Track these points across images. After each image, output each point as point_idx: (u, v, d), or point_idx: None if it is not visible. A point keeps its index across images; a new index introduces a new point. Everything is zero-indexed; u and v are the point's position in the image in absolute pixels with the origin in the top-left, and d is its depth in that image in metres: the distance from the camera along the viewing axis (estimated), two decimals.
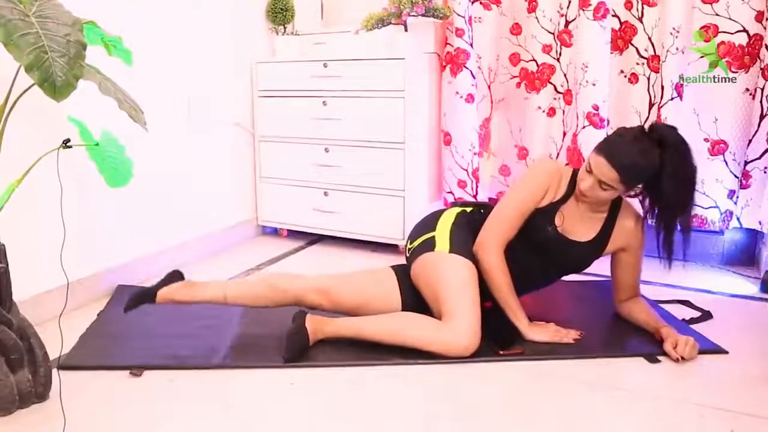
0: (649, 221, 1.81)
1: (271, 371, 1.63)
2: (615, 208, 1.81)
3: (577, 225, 1.80)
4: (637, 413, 1.44)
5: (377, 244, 2.80)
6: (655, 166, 1.63)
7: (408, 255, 1.88)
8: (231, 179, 2.91)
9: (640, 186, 1.72)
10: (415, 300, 1.81)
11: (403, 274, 1.87)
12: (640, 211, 1.83)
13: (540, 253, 1.81)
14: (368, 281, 1.85)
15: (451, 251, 1.77)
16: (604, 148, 1.67)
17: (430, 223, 1.89)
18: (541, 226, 1.78)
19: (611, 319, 1.96)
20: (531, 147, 2.79)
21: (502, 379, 1.60)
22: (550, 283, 1.93)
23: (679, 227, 1.72)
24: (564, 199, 1.79)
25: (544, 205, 1.79)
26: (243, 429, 1.38)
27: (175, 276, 1.83)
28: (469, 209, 1.92)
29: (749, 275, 2.47)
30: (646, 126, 1.70)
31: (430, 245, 1.80)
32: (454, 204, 1.97)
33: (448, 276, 1.72)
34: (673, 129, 1.68)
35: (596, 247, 1.81)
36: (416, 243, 1.85)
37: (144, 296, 1.75)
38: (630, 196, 1.80)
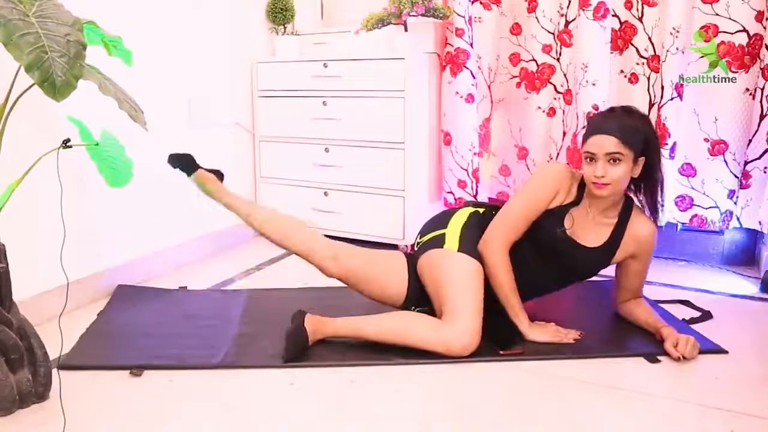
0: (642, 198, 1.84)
1: (271, 371, 1.63)
2: (625, 214, 1.79)
3: (587, 230, 1.79)
4: (637, 413, 1.44)
5: (377, 244, 2.79)
6: (641, 129, 1.69)
7: (416, 249, 1.88)
8: (231, 179, 2.87)
9: (642, 158, 1.70)
10: (419, 289, 1.81)
11: (412, 260, 1.87)
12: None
13: (548, 256, 1.80)
14: (379, 259, 1.88)
15: (459, 250, 1.77)
16: (589, 131, 1.72)
17: (442, 220, 1.88)
18: (550, 228, 1.77)
19: (611, 319, 1.96)
20: (531, 147, 2.79)
21: (502, 379, 1.60)
22: (557, 289, 1.92)
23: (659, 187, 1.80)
24: (574, 203, 1.78)
25: (553, 207, 1.78)
26: (243, 429, 1.38)
27: (217, 173, 1.99)
28: (482, 210, 1.91)
29: (749, 275, 2.47)
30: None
31: (439, 242, 1.80)
32: (467, 204, 1.97)
33: (453, 274, 1.72)
34: (627, 105, 1.81)
35: (605, 253, 1.79)
36: (426, 238, 1.85)
37: (190, 162, 1.93)
38: (639, 178, 1.75)
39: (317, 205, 2.87)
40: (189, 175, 1.94)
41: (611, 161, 1.66)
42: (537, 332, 1.77)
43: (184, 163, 1.93)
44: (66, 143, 1.50)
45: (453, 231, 1.82)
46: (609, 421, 1.41)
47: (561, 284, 1.90)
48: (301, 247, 1.85)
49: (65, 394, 1.43)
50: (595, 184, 1.69)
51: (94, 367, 1.65)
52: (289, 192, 2.95)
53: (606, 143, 1.66)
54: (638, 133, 1.67)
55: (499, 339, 1.74)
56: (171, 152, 1.96)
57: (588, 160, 1.70)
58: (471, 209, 1.91)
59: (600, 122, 1.71)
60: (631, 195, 1.83)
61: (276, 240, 1.88)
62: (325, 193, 2.85)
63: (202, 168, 1.99)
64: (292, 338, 1.66)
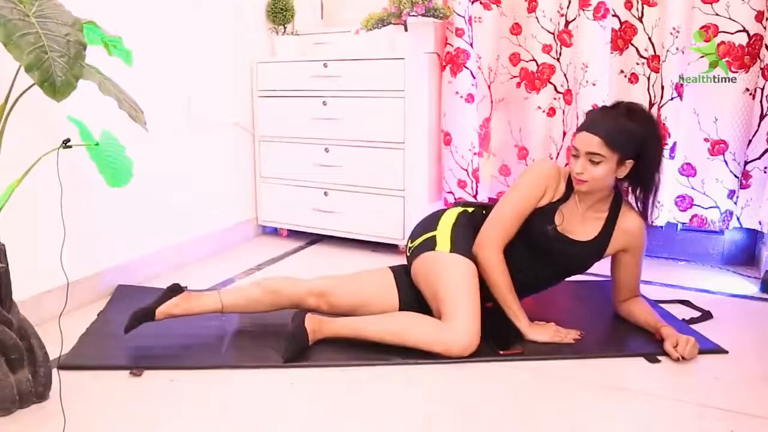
0: (632, 196, 1.82)
1: (271, 371, 1.63)
2: (615, 208, 1.81)
3: (577, 225, 1.80)
4: (637, 413, 1.44)
5: (377, 244, 2.80)
6: (635, 132, 1.67)
7: (408, 254, 1.89)
8: (231, 179, 2.90)
9: (630, 160, 1.69)
10: (412, 300, 1.82)
11: (401, 274, 1.87)
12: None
13: (541, 253, 1.81)
14: (365, 283, 1.86)
15: (451, 251, 1.77)
16: (580, 127, 1.73)
17: (431, 222, 1.89)
18: (541, 226, 1.78)
19: (611, 319, 1.96)
20: (531, 147, 2.79)
21: (502, 379, 1.60)
22: (552, 285, 1.93)
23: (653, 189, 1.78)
24: (563, 199, 1.79)
25: (543, 204, 1.79)
26: (243, 429, 1.38)
27: (174, 290, 1.80)
28: (470, 209, 1.92)
29: (749, 275, 2.47)
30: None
31: (430, 245, 1.80)
32: (456, 204, 1.97)
33: (448, 276, 1.72)
34: (636, 102, 1.77)
35: (597, 247, 1.81)
36: (417, 242, 1.85)
37: (144, 315, 1.73)
38: (626, 178, 1.75)
39: (317, 205, 2.87)
40: (154, 320, 1.76)
41: (591, 161, 1.67)
42: (537, 332, 1.77)
43: (143, 317, 1.76)
44: (66, 143, 1.50)
45: (443, 232, 1.82)
46: (609, 421, 1.41)
47: (556, 279, 1.91)
48: (285, 304, 1.82)
49: (65, 394, 1.43)
50: (574, 178, 1.72)
51: (94, 367, 1.65)
52: (289, 192, 2.95)
53: (589, 142, 1.66)
54: (630, 137, 1.66)
55: (498, 339, 1.74)
56: (124, 328, 1.74)
57: (573, 155, 1.72)
58: (459, 209, 1.91)
59: (592, 119, 1.72)
60: (624, 192, 1.84)
61: (260, 312, 1.84)
62: (325, 193, 2.85)
63: (157, 306, 1.78)
64: (292, 338, 1.66)
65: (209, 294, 1.82)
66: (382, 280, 1.86)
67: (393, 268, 1.90)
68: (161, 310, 1.75)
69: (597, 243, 1.80)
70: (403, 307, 1.82)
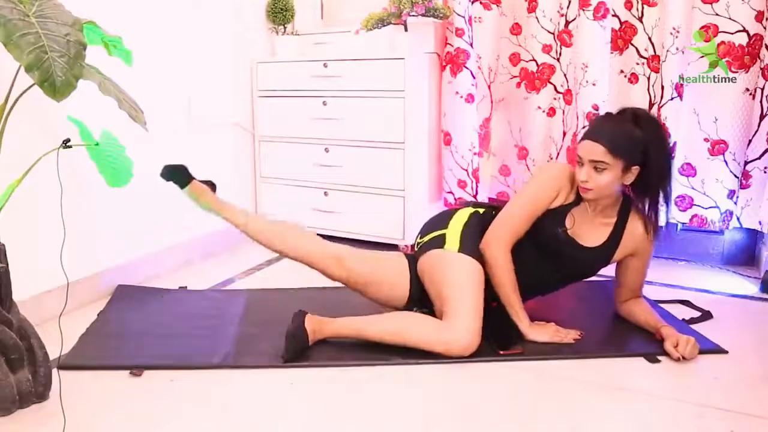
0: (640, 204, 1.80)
1: (271, 371, 1.63)
2: (624, 214, 1.80)
3: (587, 230, 1.79)
4: (637, 413, 1.44)
5: (377, 244, 2.80)
6: (639, 138, 1.66)
7: (417, 249, 1.88)
8: (231, 179, 2.90)
9: (635, 166, 1.68)
10: (421, 290, 1.82)
11: (413, 263, 1.87)
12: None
13: (549, 256, 1.81)
14: (381, 261, 1.88)
15: (460, 251, 1.77)
16: (584, 135, 1.73)
17: (442, 220, 1.88)
18: (552, 227, 1.77)
19: (611, 319, 1.96)
20: (531, 147, 2.79)
21: (502, 379, 1.60)
22: (557, 289, 1.92)
23: (662, 196, 1.76)
24: (575, 203, 1.78)
25: (555, 206, 1.78)
26: (243, 429, 1.38)
27: (210, 184, 1.95)
28: (481, 210, 1.91)
29: (749, 275, 2.46)
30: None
31: (439, 242, 1.80)
32: (467, 204, 1.97)
33: (454, 275, 1.72)
34: (642, 108, 1.78)
35: (605, 253, 1.80)
36: (426, 239, 1.85)
37: (183, 173, 1.88)
38: (633, 186, 1.75)
39: (317, 205, 2.87)
40: (182, 187, 1.87)
41: (595, 168, 1.67)
42: (537, 332, 1.77)
43: (178, 174, 1.86)
44: (66, 143, 1.50)
45: (453, 231, 1.82)
46: (609, 421, 1.41)
47: (561, 283, 1.91)
48: (302, 252, 1.85)
49: (65, 394, 1.43)
50: (580, 186, 1.71)
51: (94, 367, 1.65)
52: (289, 192, 2.95)
53: (593, 150, 1.66)
54: (633, 143, 1.66)
55: (499, 339, 1.74)
56: (165, 164, 1.89)
57: (578, 162, 1.71)
58: (471, 209, 1.91)
59: (595, 126, 1.72)
60: (632, 196, 1.83)
61: (275, 248, 1.88)
62: (325, 193, 2.85)
63: (196, 179, 1.94)
64: (292, 338, 1.66)
65: (240, 208, 1.91)
66: (397, 266, 1.86)
67: (407, 256, 1.90)
68: (195, 184, 1.90)
69: (605, 249, 1.79)
70: (413, 294, 1.82)
